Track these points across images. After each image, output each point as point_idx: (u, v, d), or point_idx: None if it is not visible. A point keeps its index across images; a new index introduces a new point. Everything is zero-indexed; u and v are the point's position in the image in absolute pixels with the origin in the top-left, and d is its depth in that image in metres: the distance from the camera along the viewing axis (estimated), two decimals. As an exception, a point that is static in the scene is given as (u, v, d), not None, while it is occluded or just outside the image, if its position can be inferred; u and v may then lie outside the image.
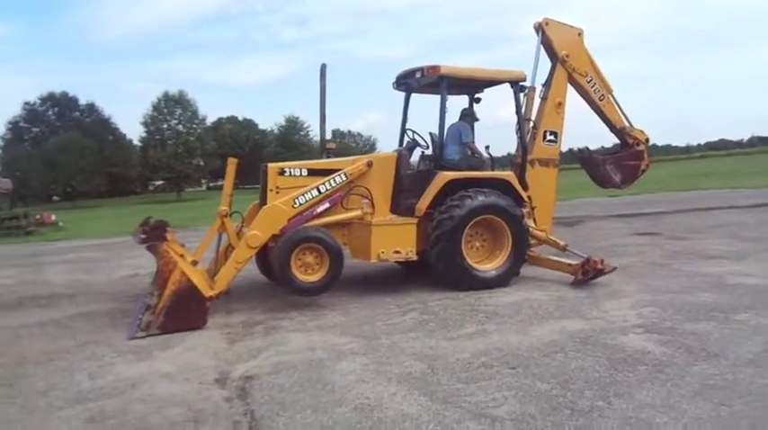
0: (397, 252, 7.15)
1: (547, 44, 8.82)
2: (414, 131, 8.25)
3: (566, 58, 8.75)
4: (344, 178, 7.14)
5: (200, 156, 61.34)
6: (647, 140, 9.60)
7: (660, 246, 10.08)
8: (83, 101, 70.08)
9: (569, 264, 7.38)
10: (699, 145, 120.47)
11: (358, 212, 7.18)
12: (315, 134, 77.06)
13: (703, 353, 4.61)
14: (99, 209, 46.29)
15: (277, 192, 6.98)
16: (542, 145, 8.68)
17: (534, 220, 8.25)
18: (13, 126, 66.42)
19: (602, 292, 6.79)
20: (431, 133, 7.93)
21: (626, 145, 9.61)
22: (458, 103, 8.64)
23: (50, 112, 69.11)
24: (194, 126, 64.02)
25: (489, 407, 3.80)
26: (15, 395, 4.45)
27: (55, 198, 60.91)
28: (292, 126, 76.75)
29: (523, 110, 8.41)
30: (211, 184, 72.24)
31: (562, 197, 21.23)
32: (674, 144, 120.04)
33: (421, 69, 7.54)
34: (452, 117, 8.21)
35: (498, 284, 7.25)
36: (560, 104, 8.79)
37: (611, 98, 9.28)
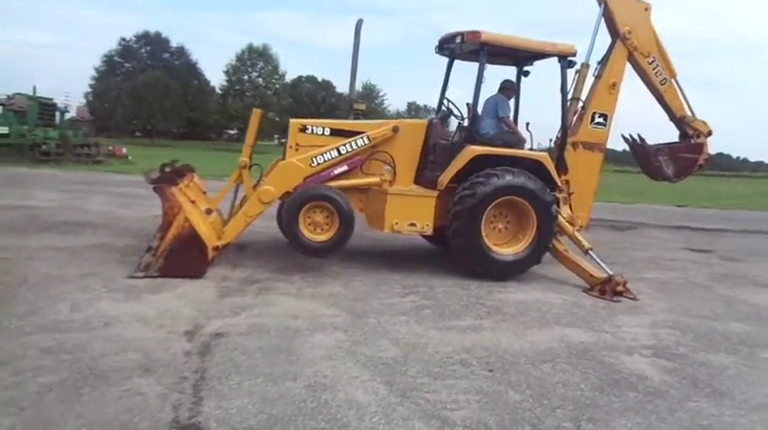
0: (413, 224, 6.83)
1: (608, 18, 8.03)
2: (449, 100, 7.83)
3: (627, 35, 7.96)
4: (367, 141, 6.85)
5: (275, 111, 62.22)
6: (710, 133, 8.66)
7: (709, 265, 9.27)
8: (174, 43, 72.24)
9: (591, 275, 6.78)
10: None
11: (376, 179, 6.90)
12: (390, 104, 76.73)
13: (708, 389, 4.12)
14: (174, 149, 47.75)
15: (297, 149, 6.80)
16: (589, 127, 8.00)
17: (570, 207, 7.70)
18: (108, 60, 69.27)
19: (623, 305, 6.26)
20: (468, 104, 7.45)
21: (685, 136, 8.74)
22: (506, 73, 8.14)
23: (143, 51, 71.55)
24: (273, 81, 64.94)
25: (446, 409, 3.52)
26: (-4, 315, 4.52)
27: (137, 134, 63.53)
28: (368, 93, 76.51)
29: (572, 88, 7.82)
30: (283, 140, 73.30)
31: (623, 200, 20.25)
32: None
33: (461, 34, 7.04)
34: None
35: (515, 270, 6.87)
36: (614, 85, 8.04)
37: (675, 83, 8.44)
